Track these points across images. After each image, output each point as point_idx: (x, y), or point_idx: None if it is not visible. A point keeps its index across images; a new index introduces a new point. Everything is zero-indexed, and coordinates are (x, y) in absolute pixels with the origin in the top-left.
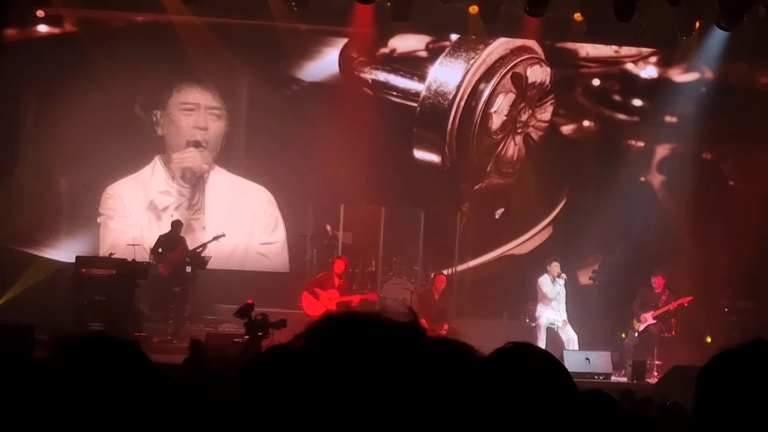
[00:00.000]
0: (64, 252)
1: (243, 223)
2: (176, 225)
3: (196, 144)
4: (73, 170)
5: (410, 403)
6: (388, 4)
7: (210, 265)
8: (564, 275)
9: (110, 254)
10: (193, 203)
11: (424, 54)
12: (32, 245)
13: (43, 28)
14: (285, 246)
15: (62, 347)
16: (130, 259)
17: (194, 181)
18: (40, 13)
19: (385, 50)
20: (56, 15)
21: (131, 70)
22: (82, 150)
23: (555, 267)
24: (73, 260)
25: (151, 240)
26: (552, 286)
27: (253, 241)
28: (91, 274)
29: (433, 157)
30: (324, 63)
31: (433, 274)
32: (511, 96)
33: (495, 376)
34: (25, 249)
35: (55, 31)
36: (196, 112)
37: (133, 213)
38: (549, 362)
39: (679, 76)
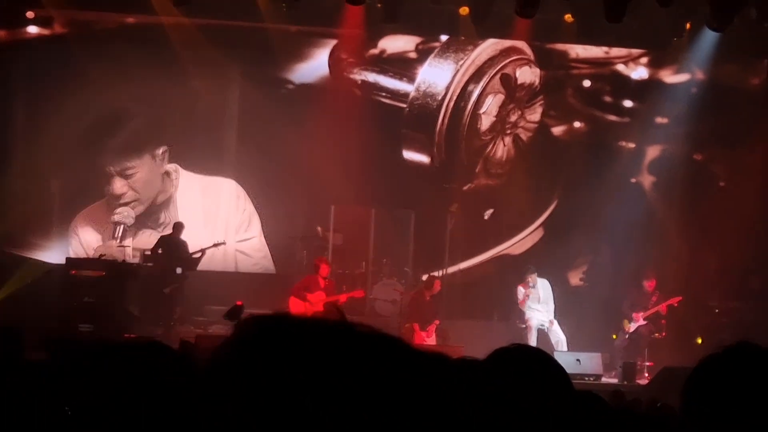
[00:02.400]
0: (53, 253)
1: (218, 225)
2: (178, 227)
3: (126, 203)
4: (63, 172)
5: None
6: (379, 5)
7: (200, 267)
8: (531, 288)
9: (100, 256)
10: (160, 222)
11: (413, 55)
12: (22, 247)
13: (33, 30)
14: (262, 239)
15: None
16: (120, 260)
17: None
18: (29, 14)
19: (374, 51)
20: (46, 16)
21: (121, 72)
22: (72, 152)
23: (531, 279)
24: (62, 262)
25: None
26: (522, 297)
27: (229, 240)
28: (80, 276)
29: (421, 158)
30: (314, 64)
31: (427, 277)
32: (500, 97)
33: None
34: (14, 251)
35: (45, 32)
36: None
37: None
38: (549, 364)
39: (669, 77)
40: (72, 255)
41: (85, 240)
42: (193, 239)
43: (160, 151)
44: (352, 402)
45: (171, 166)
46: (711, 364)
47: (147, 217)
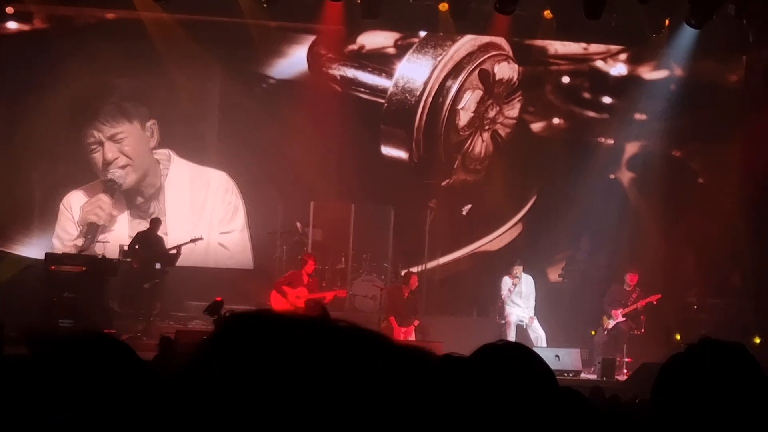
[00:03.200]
0: (33, 248)
1: (203, 217)
2: (155, 222)
3: (108, 185)
4: (43, 166)
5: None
6: (358, 1)
7: (179, 262)
8: (517, 278)
9: (80, 251)
10: (150, 213)
11: (392, 51)
12: (3, 242)
13: (12, 25)
14: (244, 234)
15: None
16: (99, 255)
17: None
18: (9, 9)
19: (353, 47)
20: (26, 12)
21: (101, 67)
22: (52, 146)
23: (516, 270)
24: (42, 257)
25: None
26: (507, 291)
27: (213, 232)
28: (60, 271)
29: (400, 154)
30: (293, 60)
31: (405, 272)
32: (479, 93)
33: (474, 376)
34: None
35: (25, 27)
36: (100, 148)
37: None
38: (535, 361)
39: (648, 73)
40: (60, 234)
41: (78, 216)
42: (177, 231)
43: (149, 123)
44: (334, 399)
45: (163, 153)
46: (675, 361)
47: (137, 207)
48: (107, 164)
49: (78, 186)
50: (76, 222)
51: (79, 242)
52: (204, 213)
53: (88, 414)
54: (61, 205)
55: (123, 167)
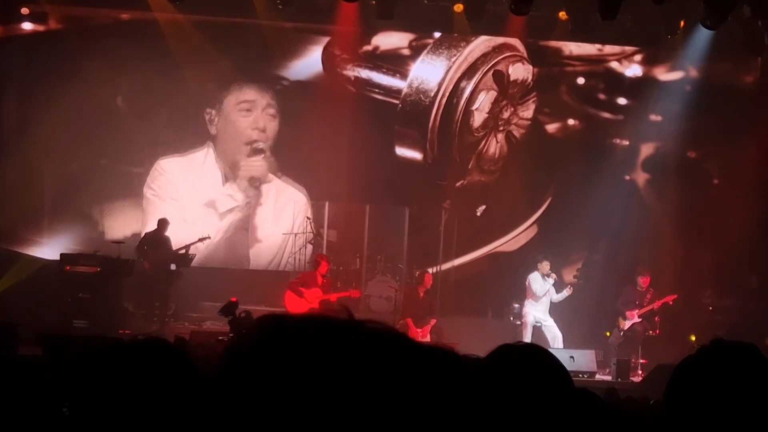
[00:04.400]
0: (48, 249)
1: (284, 226)
2: (162, 223)
3: (260, 151)
4: (57, 167)
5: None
6: (373, 2)
7: (202, 263)
8: (553, 275)
9: (95, 251)
10: (253, 204)
11: (407, 52)
12: (16, 243)
13: (27, 26)
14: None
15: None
16: (114, 256)
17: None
18: (24, 10)
19: (368, 48)
20: (41, 12)
21: (117, 68)
22: (67, 147)
23: (545, 265)
24: (57, 257)
25: (194, 235)
26: (542, 284)
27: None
28: (75, 272)
29: (414, 155)
30: (308, 61)
31: (419, 272)
32: (493, 93)
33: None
34: (8, 247)
35: (40, 28)
36: (254, 112)
37: (180, 198)
38: (553, 362)
39: (663, 74)
40: (153, 194)
41: (175, 180)
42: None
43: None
44: (364, 399)
45: None
46: (688, 363)
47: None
48: (257, 130)
49: (88, 195)
50: (228, 183)
51: (240, 199)
52: (285, 222)
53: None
54: (154, 170)
55: (260, 148)
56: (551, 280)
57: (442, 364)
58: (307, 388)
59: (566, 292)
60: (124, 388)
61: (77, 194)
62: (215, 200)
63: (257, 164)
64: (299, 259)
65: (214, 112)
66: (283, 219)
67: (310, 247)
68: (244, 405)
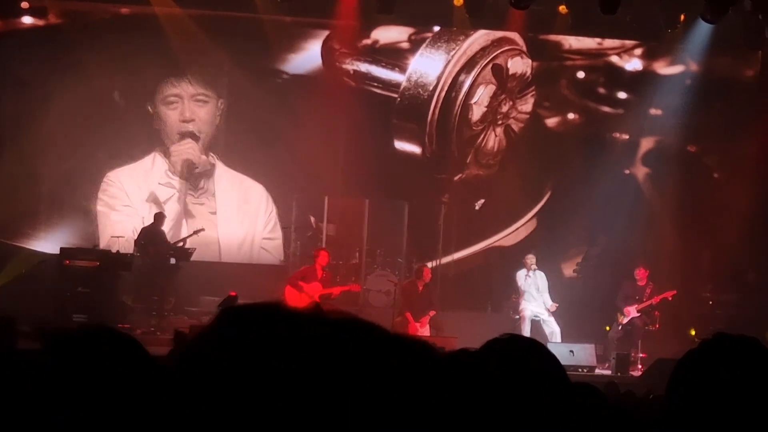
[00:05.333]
0: (47, 243)
1: (249, 216)
2: (158, 217)
3: (192, 135)
4: (56, 160)
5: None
6: None
7: (200, 257)
8: (534, 267)
9: (94, 246)
10: (200, 187)
11: (406, 45)
12: (15, 236)
13: (27, 20)
14: (281, 242)
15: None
16: (113, 250)
17: (196, 171)
18: (24, 4)
19: (367, 41)
20: (40, 6)
21: (116, 62)
22: (65, 141)
23: (529, 259)
24: (56, 251)
25: None
26: (524, 280)
27: (257, 235)
28: (74, 266)
29: (413, 148)
30: (307, 55)
31: (417, 266)
32: (492, 87)
33: (482, 371)
34: (7, 240)
35: (40, 23)
36: (180, 103)
37: (134, 203)
38: (542, 354)
39: (664, 68)
40: (101, 209)
41: (128, 189)
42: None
43: (220, 102)
44: (329, 396)
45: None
46: (690, 358)
47: (192, 179)
48: (184, 122)
49: (86, 190)
50: (166, 171)
51: (177, 184)
52: (249, 213)
53: (90, 410)
54: (104, 183)
55: (193, 133)
56: (537, 273)
57: (415, 358)
58: (267, 384)
59: (548, 311)
60: (78, 377)
61: (75, 188)
62: (155, 191)
63: (187, 146)
64: (298, 254)
65: (151, 107)
66: (243, 211)
67: (309, 241)
68: (201, 400)
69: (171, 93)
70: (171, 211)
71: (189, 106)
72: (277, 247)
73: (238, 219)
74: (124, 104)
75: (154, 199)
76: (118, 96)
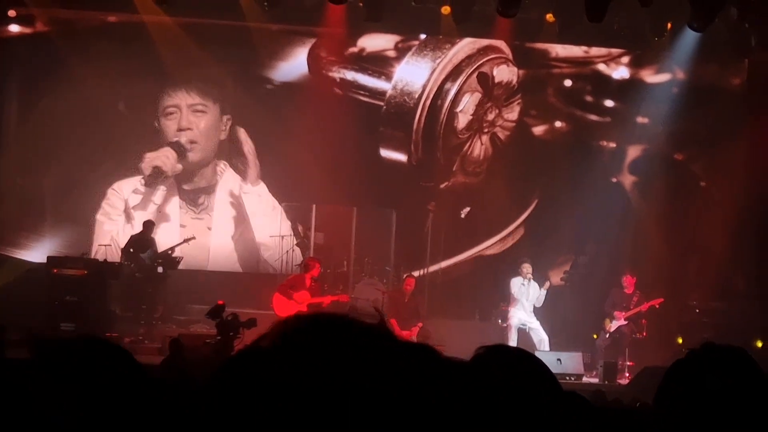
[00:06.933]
0: (36, 252)
1: (250, 225)
2: (147, 225)
3: (174, 144)
4: (44, 169)
5: (389, 405)
6: (360, 4)
7: (188, 266)
8: (530, 276)
9: (82, 254)
10: (199, 203)
11: (392, 53)
12: (3, 245)
13: (14, 28)
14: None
15: (47, 349)
16: (101, 259)
17: (163, 181)
18: (11, 12)
19: (353, 49)
20: (28, 15)
21: (105, 70)
22: (52, 150)
23: (525, 268)
24: (44, 260)
25: (123, 241)
26: (520, 288)
27: (248, 243)
28: (62, 274)
29: (399, 156)
30: (294, 63)
31: (404, 276)
32: (477, 95)
33: (478, 379)
34: None
35: (27, 30)
36: (178, 113)
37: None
38: (534, 363)
39: (650, 76)
40: (100, 218)
41: (127, 199)
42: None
43: (225, 118)
44: (336, 398)
45: (221, 162)
46: (678, 367)
47: (189, 195)
48: (180, 131)
49: (78, 197)
50: (142, 174)
51: (142, 188)
52: (252, 221)
53: (84, 418)
54: (107, 193)
55: (191, 142)
56: (531, 283)
57: (419, 361)
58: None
59: (543, 291)
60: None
61: (64, 197)
62: (127, 199)
63: (162, 153)
64: (286, 262)
65: (156, 124)
66: (236, 220)
67: (297, 250)
68: (246, 405)
69: (170, 104)
70: (139, 218)
71: (187, 115)
72: (269, 256)
73: (230, 227)
74: (126, 112)
75: (125, 208)
76: (123, 106)
